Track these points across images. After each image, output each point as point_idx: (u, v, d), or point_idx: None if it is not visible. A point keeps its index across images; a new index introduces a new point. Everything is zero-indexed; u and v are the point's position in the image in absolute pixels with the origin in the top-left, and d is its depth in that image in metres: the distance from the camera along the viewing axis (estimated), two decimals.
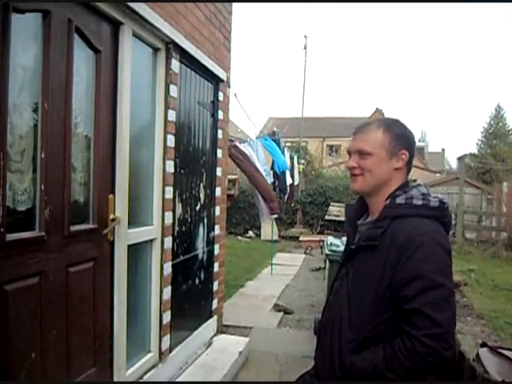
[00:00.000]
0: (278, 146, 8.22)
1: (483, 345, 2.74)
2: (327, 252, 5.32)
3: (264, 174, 6.74)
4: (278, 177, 8.04)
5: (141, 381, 3.05)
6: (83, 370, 2.55)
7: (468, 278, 8.11)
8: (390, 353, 1.40)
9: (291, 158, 11.16)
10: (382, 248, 1.47)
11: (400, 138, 1.58)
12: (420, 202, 1.51)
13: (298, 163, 14.94)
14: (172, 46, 3.27)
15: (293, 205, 13.30)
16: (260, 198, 6.08)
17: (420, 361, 1.35)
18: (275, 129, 8.87)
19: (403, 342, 1.38)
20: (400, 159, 1.57)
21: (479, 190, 15.65)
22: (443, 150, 44.32)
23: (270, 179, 7.57)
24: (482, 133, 28.61)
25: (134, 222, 2.97)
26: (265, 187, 5.80)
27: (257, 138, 8.25)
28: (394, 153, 1.56)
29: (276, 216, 7.00)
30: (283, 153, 9.03)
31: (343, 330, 1.53)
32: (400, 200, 1.53)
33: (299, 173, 14.87)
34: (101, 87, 2.60)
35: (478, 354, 2.59)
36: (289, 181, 10.18)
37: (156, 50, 3.21)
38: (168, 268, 3.37)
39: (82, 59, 2.47)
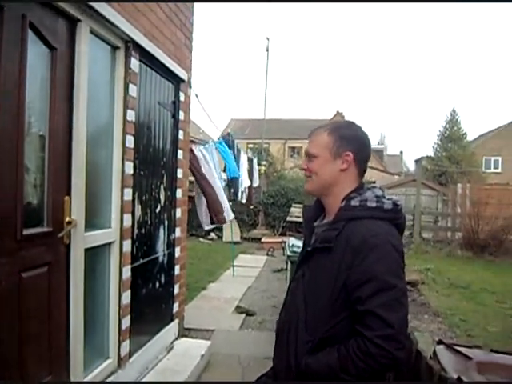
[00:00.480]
0: (233, 148, 8.20)
1: (440, 342, 2.80)
2: (289, 253, 5.36)
3: (217, 177, 6.82)
4: (231, 181, 8.04)
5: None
6: (39, 378, 2.45)
7: (425, 276, 8.34)
8: (344, 354, 1.42)
9: (250, 160, 11.16)
10: (337, 250, 1.49)
11: (345, 139, 1.62)
12: (374, 205, 1.54)
13: (259, 164, 15.00)
14: (131, 45, 3.20)
15: (252, 206, 13.31)
16: (203, 207, 5.99)
17: (373, 362, 1.37)
18: (229, 131, 8.86)
19: (357, 343, 1.40)
20: (345, 160, 1.61)
21: (435, 192, 16.15)
22: (401, 152, 45.43)
23: (223, 183, 7.61)
24: (438, 136, 29.41)
25: (91, 224, 2.88)
26: (212, 199, 5.69)
27: (218, 139, 8.21)
28: (337, 154, 1.60)
29: (214, 226, 6.99)
30: (239, 154, 9.03)
31: (299, 331, 1.54)
32: (355, 202, 1.56)
33: (260, 174, 14.93)
34: (56, 85, 2.51)
35: (434, 352, 2.65)
36: (247, 183, 10.18)
37: (115, 48, 3.13)
38: (127, 272, 3.29)
39: (36, 56, 2.37)
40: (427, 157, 27.30)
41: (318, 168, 1.62)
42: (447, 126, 29.11)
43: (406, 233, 10.18)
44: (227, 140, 8.12)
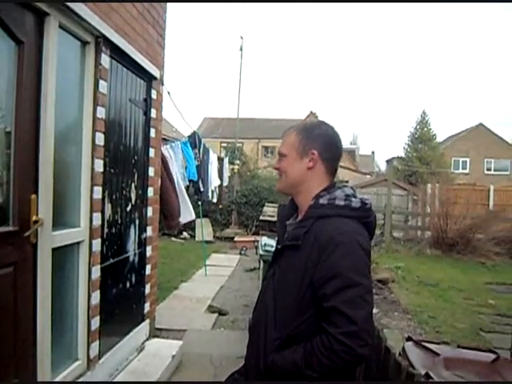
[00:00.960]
0: (199, 147, 8.16)
1: (408, 339, 2.85)
2: (261, 252, 5.36)
3: (179, 177, 6.85)
4: (194, 182, 8.05)
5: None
6: (4, 381, 2.38)
7: (395, 274, 8.47)
8: (309, 350, 1.43)
9: (220, 160, 11.15)
10: (305, 247, 1.51)
11: (310, 138, 1.65)
12: (342, 203, 1.56)
13: (233, 164, 14.99)
14: (102, 40, 3.14)
15: (220, 206, 13.29)
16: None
17: (337, 358, 1.39)
18: (195, 130, 8.80)
19: (321, 340, 1.41)
20: (311, 159, 1.63)
21: (406, 192, 16.44)
22: (373, 152, 46.15)
23: (185, 183, 7.61)
24: (408, 137, 29.90)
25: (59, 223, 2.81)
26: (169, 202, 5.55)
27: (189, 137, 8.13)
28: (304, 152, 1.63)
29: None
30: (207, 153, 9.01)
31: (268, 329, 1.55)
32: (323, 200, 1.57)
33: (234, 173, 14.92)
34: (23, 80, 2.44)
35: (403, 348, 2.70)
36: (217, 182, 10.16)
37: (85, 43, 3.06)
38: (96, 271, 3.23)
39: (2, 50, 2.31)
40: (398, 157, 27.81)
41: (286, 167, 1.66)
42: (418, 127, 29.67)
43: (377, 232, 10.31)
44: (193, 139, 8.06)
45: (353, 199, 1.58)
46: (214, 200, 10.91)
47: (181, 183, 6.19)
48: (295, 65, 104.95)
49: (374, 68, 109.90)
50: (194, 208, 11.30)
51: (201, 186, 8.25)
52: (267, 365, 1.51)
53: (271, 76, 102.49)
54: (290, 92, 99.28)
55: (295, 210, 1.74)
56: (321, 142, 1.65)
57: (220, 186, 11.22)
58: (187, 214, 6.17)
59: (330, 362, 1.39)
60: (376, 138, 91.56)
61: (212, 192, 9.98)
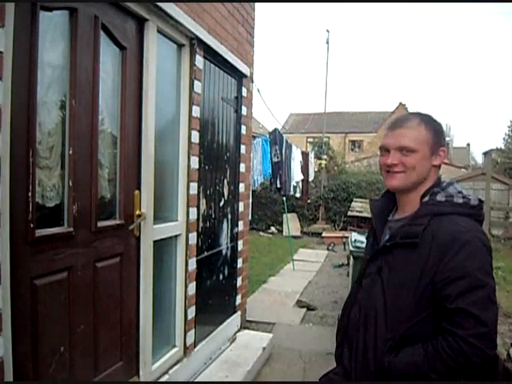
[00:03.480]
0: (281, 143, 8.18)
1: None
2: (351, 248, 5.27)
3: (257, 173, 7.22)
4: (273, 176, 8.12)
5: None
6: (110, 363, 2.58)
7: (495, 275, 7.85)
8: (432, 353, 1.38)
9: (305, 155, 11.09)
10: (422, 246, 1.44)
11: (439, 134, 1.57)
12: (461, 201, 1.50)
13: (320, 159, 14.87)
14: (196, 42, 3.26)
15: (308, 201, 13.22)
16: None
17: (465, 361, 1.34)
18: (282, 125, 8.86)
19: (447, 342, 1.36)
20: (439, 156, 1.56)
21: (506, 186, 15.31)
22: (468, 144, 43.53)
23: (260, 179, 7.65)
24: (509, 127, 27.89)
25: (159, 217, 2.99)
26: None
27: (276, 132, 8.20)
28: (435, 149, 1.55)
29: None
30: (290, 149, 9.04)
31: (378, 329, 1.50)
32: (440, 197, 1.51)
33: (321, 169, 14.81)
34: (126, 84, 2.61)
35: (508, 354, 2.54)
36: (299, 177, 10.11)
37: (180, 45, 3.21)
38: (193, 264, 3.38)
39: (107, 56, 2.48)
40: (497, 149, 25.94)
41: (415, 163, 1.52)
42: None
43: None
44: (274, 136, 8.10)
45: (470, 197, 1.52)
46: (298, 195, 10.91)
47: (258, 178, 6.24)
48: (381, 55, 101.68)
49: (469, 53, 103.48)
50: (278, 204, 11.41)
51: (278, 182, 8.31)
52: (383, 366, 1.46)
53: (357, 68, 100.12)
54: (377, 84, 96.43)
55: (392, 204, 1.68)
56: (444, 138, 1.60)
57: (305, 181, 11.17)
58: None
59: (457, 364, 1.34)
60: (471, 128, 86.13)
61: (294, 187, 10.01)
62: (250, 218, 5.98)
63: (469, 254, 1.38)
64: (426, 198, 1.53)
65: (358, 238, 5.47)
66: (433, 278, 1.41)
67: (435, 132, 1.56)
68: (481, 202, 1.53)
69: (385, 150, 1.59)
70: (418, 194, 1.56)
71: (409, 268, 1.46)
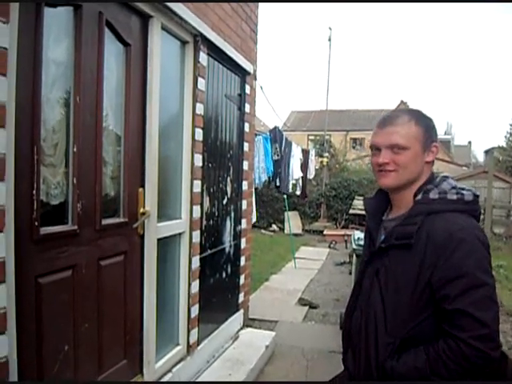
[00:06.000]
0: (281, 141, 8.19)
1: None
2: (354, 247, 5.26)
3: (261, 171, 7.26)
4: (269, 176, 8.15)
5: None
6: (114, 362, 2.57)
7: (497, 274, 7.92)
8: (433, 356, 1.35)
9: (304, 152, 11.08)
10: (418, 246, 1.40)
11: (430, 129, 1.53)
12: (455, 197, 1.45)
13: (321, 156, 14.85)
14: (200, 39, 3.24)
15: (306, 199, 13.18)
16: None
17: (467, 363, 1.31)
18: (283, 123, 8.87)
19: (447, 345, 1.33)
20: (431, 152, 1.52)
21: (508, 184, 15.27)
22: (470, 142, 43.41)
23: (264, 177, 7.64)
24: (510, 125, 27.72)
25: (162, 215, 2.97)
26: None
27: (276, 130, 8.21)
28: (427, 146, 1.50)
29: None
30: (290, 146, 9.06)
31: (379, 334, 1.47)
32: (433, 195, 1.46)
33: (323, 166, 14.78)
34: (130, 81, 2.60)
35: None
36: (298, 174, 10.10)
37: (184, 42, 3.19)
38: (196, 262, 3.37)
39: (112, 53, 2.47)
40: (499, 147, 25.85)
41: (407, 161, 1.47)
42: None
43: None
44: (274, 134, 8.10)
45: (464, 192, 1.46)
46: (297, 192, 10.89)
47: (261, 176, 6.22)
48: (383, 53, 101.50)
49: (469, 51, 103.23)
50: (280, 202, 11.40)
51: (277, 181, 8.30)
52: (385, 371, 1.43)
53: (359, 66, 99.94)
54: (378, 82, 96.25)
55: (387, 203, 1.64)
56: (436, 133, 1.55)
57: (304, 179, 11.16)
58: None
59: (459, 366, 1.32)
60: (473, 126, 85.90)
61: (294, 185, 10.00)
62: (254, 218, 5.96)
63: (465, 252, 1.34)
64: (419, 196, 1.49)
65: (361, 236, 5.45)
66: (430, 278, 1.37)
67: (426, 128, 1.51)
68: (476, 196, 1.48)
69: (375, 148, 1.54)
70: (411, 192, 1.51)
71: (405, 270, 1.43)
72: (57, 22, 2.08)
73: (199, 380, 3.40)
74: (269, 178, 8.12)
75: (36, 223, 1.93)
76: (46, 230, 2.01)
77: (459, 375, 1.33)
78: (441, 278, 1.35)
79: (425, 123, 1.53)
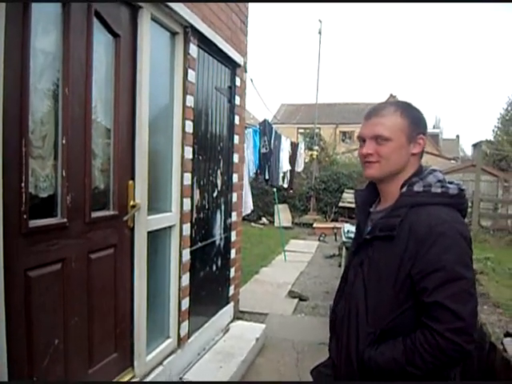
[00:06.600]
0: (270, 134, 8.21)
1: (507, 334, 2.70)
2: (344, 239, 5.31)
3: (251, 164, 7.29)
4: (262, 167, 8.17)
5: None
6: (105, 355, 2.56)
7: (484, 266, 8.01)
8: (410, 347, 1.36)
9: (293, 145, 11.11)
10: (400, 238, 1.41)
11: (417, 121, 1.52)
12: (439, 190, 1.45)
13: (311, 149, 14.87)
14: (190, 30, 3.22)
15: (291, 191, 13.19)
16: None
17: (442, 355, 1.32)
18: (273, 116, 8.90)
19: (424, 336, 1.34)
20: (417, 144, 1.52)
21: (495, 178, 15.42)
22: (458, 136, 43.65)
23: (254, 168, 7.69)
24: (498, 119, 27.92)
25: (153, 208, 2.96)
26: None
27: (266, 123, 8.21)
28: (412, 137, 1.50)
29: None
30: (279, 139, 9.10)
31: (360, 323, 1.48)
32: (418, 188, 1.46)
33: (312, 159, 14.81)
34: (120, 72, 2.57)
35: (502, 344, 2.55)
36: (286, 167, 10.14)
37: (174, 34, 3.16)
38: (186, 254, 3.36)
39: (101, 44, 2.44)
40: (487, 141, 26.06)
41: (390, 153, 1.47)
42: (509, 108, 27.56)
43: (465, 220, 9.83)
44: (264, 127, 8.11)
45: (449, 186, 1.47)
46: (285, 185, 10.92)
47: (246, 176, 6.22)
48: (373, 47, 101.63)
49: (458, 45, 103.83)
50: (269, 195, 11.43)
51: (267, 174, 8.31)
52: (363, 361, 1.45)
53: (349, 59, 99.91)
54: (368, 75, 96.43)
55: (376, 195, 1.64)
56: (424, 125, 1.55)
57: (292, 171, 11.20)
58: (247, 206, 6.10)
59: (435, 359, 1.33)
60: (461, 120, 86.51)
61: (282, 178, 10.03)
62: (251, 206, 5.97)
63: (445, 245, 1.35)
64: (404, 189, 1.49)
65: (351, 229, 5.50)
66: (410, 271, 1.38)
67: (413, 119, 1.51)
68: (461, 190, 1.48)
69: (362, 140, 1.54)
70: (397, 184, 1.51)
71: (387, 261, 1.44)
72: (45, 12, 2.05)
73: (190, 372, 3.40)
74: (256, 171, 8.13)
75: (25, 216, 1.91)
76: (34, 222, 1.99)
77: (435, 368, 1.35)
78: (420, 271, 1.36)
79: (411, 115, 1.52)
